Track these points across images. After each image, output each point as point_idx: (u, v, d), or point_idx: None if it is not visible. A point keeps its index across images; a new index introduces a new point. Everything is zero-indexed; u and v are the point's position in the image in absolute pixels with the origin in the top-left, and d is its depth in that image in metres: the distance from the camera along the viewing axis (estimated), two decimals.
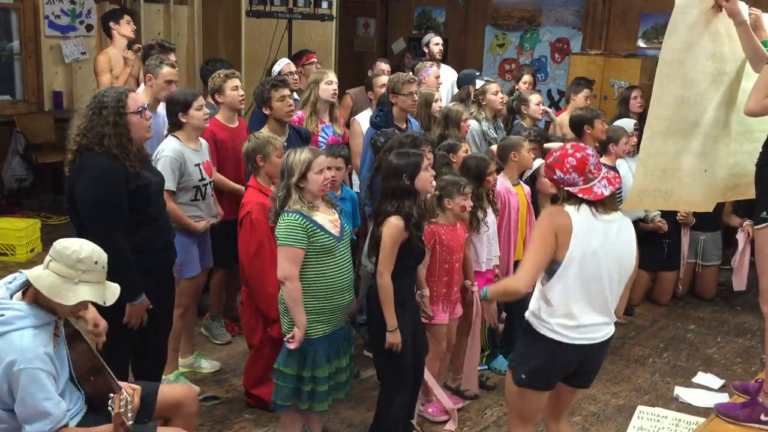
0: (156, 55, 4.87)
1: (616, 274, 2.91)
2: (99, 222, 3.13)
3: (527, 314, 2.98)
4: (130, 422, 2.55)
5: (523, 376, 2.95)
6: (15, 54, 7.66)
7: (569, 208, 2.84)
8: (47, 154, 7.57)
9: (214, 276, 4.77)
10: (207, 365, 4.50)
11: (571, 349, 2.89)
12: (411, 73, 5.71)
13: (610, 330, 2.98)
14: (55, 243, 2.67)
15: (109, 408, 2.54)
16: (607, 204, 2.86)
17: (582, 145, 2.97)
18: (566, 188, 2.84)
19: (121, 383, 2.61)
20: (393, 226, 3.33)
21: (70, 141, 3.20)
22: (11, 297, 2.64)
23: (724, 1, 3.40)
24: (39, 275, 2.60)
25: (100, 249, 2.69)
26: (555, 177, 2.86)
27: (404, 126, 4.78)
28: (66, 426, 2.60)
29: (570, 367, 2.99)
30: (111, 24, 5.99)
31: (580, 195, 2.81)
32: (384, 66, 6.21)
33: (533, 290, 2.98)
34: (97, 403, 2.79)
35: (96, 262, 2.66)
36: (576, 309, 2.86)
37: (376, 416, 3.66)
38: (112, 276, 2.82)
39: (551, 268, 2.85)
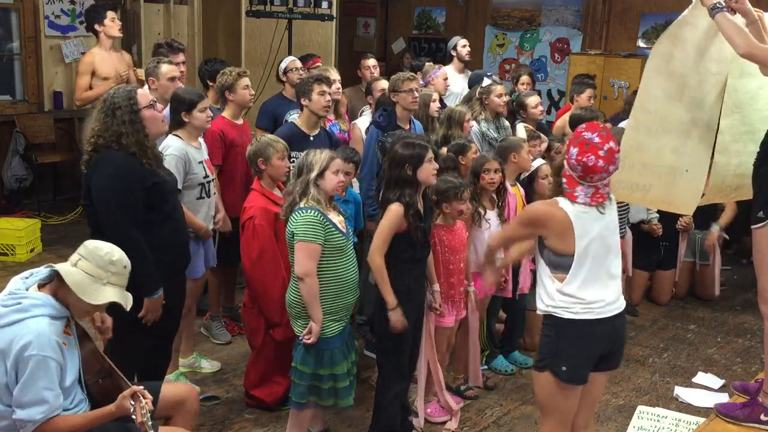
0: (153, 59, 4.85)
1: (614, 251, 2.99)
2: (115, 218, 3.17)
3: (545, 308, 2.95)
4: (152, 431, 2.57)
5: (564, 368, 2.90)
6: (15, 54, 7.66)
7: (562, 202, 2.89)
8: (47, 154, 7.57)
9: (212, 275, 4.77)
10: (207, 365, 4.50)
11: (601, 323, 2.91)
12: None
13: (622, 301, 3.04)
14: (86, 243, 2.74)
15: (132, 416, 2.56)
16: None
17: (614, 159, 2.87)
18: (565, 165, 2.88)
19: (134, 387, 2.63)
20: (392, 212, 3.40)
21: (84, 144, 3.27)
22: (26, 290, 2.66)
23: (733, 2, 3.37)
24: (69, 271, 2.64)
25: (126, 255, 2.77)
26: (570, 151, 2.85)
27: (407, 127, 4.78)
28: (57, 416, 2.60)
29: (602, 344, 2.96)
30: (96, 26, 5.96)
31: (564, 184, 2.88)
32: (370, 62, 6.17)
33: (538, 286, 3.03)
34: (104, 405, 2.79)
35: (125, 267, 2.75)
36: (596, 291, 2.90)
37: (374, 409, 3.71)
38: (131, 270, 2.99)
39: (561, 263, 2.88)
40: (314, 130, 4.55)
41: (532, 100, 5.64)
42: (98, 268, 2.66)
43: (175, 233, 3.43)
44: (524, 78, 6.40)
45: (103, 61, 5.90)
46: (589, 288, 2.90)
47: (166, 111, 4.48)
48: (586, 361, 2.95)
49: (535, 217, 2.99)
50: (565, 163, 2.91)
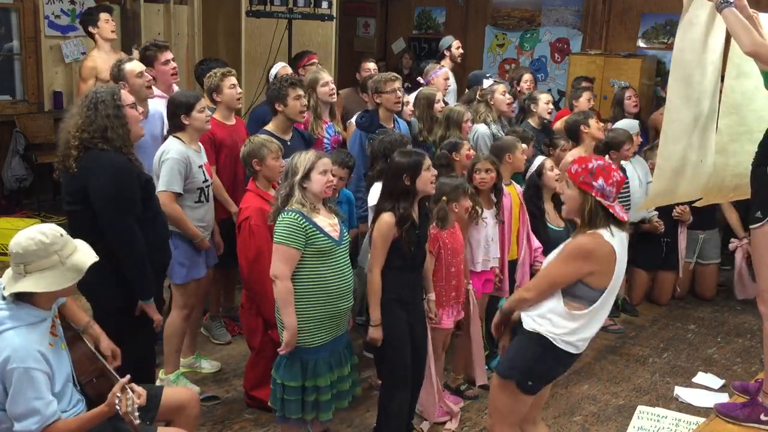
0: (113, 64, 4.56)
1: None
2: (119, 220, 3.14)
3: (537, 327, 2.93)
4: (137, 421, 2.54)
5: (530, 383, 2.97)
6: (15, 54, 7.65)
7: (606, 235, 2.83)
8: (47, 154, 7.53)
9: (210, 275, 4.76)
10: (207, 365, 4.51)
11: (577, 357, 3.02)
12: (408, 73, 5.71)
13: None
14: (11, 252, 2.56)
15: (117, 408, 2.53)
16: (623, 225, 2.92)
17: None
18: (598, 198, 2.82)
19: (122, 381, 2.60)
20: (383, 222, 3.38)
21: (70, 139, 3.18)
22: (3, 299, 2.60)
23: None
24: (35, 284, 2.54)
25: (43, 225, 2.63)
26: (595, 184, 2.82)
27: (391, 126, 4.79)
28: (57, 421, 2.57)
29: (566, 369, 3.12)
30: (90, 28, 5.88)
31: (610, 210, 2.84)
32: (370, 65, 6.16)
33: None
34: (99, 404, 2.77)
35: (61, 235, 2.61)
36: (597, 325, 2.96)
37: (378, 416, 3.68)
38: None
39: (589, 295, 2.87)
40: (288, 133, 4.48)
41: (544, 96, 5.69)
42: (47, 257, 2.54)
43: (161, 230, 3.44)
44: (527, 76, 6.39)
45: (105, 64, 5.76)
46: (595, 323, 2.93)
47: (153, 109, 4.42)
48: (550, 381, 3.11)
49: (587, 250, 2.83)
50: (592, 199, 2.83)
